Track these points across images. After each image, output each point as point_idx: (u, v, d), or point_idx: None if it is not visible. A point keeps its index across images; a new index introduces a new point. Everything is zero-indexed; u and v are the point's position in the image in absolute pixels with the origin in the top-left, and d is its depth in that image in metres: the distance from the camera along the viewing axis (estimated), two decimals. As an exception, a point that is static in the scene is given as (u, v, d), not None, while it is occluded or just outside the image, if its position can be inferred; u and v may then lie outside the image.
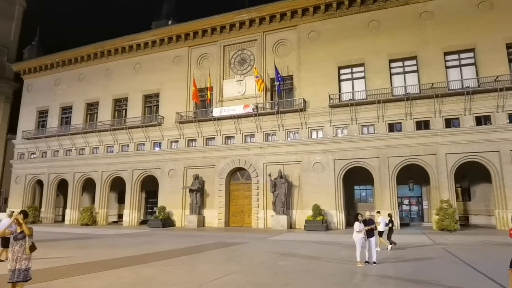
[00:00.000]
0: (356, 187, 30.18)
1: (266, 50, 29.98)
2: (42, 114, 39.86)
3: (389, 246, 14.92)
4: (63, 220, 36.73)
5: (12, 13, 53.61)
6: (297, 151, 27.23)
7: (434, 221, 23.45)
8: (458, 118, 24.03)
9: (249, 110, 28.48)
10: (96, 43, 36.39)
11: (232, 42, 31.41)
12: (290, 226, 26.19)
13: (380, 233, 14.83)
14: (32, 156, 39.00)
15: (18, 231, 6.81)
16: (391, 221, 15.36)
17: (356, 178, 28.25)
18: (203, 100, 31.30)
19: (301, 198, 26.71)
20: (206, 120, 30.26)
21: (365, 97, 26.07)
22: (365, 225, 11.56)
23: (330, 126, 26.78)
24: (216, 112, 29.67)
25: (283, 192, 26.15)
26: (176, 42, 33.25)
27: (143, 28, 35.32)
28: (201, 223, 28.97)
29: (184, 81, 32.37)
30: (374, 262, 11.45)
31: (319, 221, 24.43)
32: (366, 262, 11.47)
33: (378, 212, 16.18)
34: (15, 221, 6.96)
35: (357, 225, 11.32)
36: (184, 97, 31.96)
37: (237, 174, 29.76)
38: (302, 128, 27.52)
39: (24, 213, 7.10)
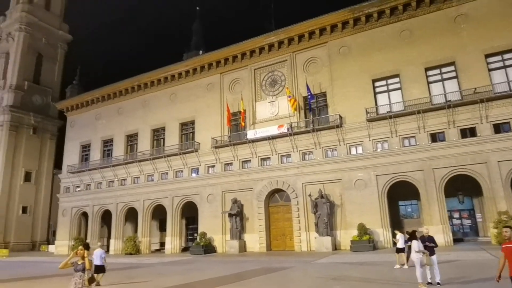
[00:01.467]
0: (400, 203, 28.78)
1: (297, 70, 30.02)
2: (85, 148, 41.74)
3: (403, 265, 14.72)
4: (107, 250, 37.52)
5: (55, 56, 57.68)
6: (337, 169, 26.53)
7: (493, 235, 21.69)
8: (508, 123, 22.56)
9: (284, 130, 28.32)
10: (133, 77, 38.08)
11: (262, 64, 31.77)
12: (335, 247, 25.21)
13: (399, 250, 14.99)
14: (77, 189, 40.63)
15: (79, 263, 6.89)
16: (410, 239, 15.09)
17: (400, 193, 26.93)
18: (236, 124, 31.58)
19: (344, 217, 25.78)
20: (241, 143, 30.37)
21: (403, 108, 25.22)
22: (423, 242, 10.79)
23: (369, 140, 26.00)
24: (251, 134, 29.75)
25: (325, 213, 25.36)
26: (208, 70, 34.10)
27: (175, 60, 36.70)
28: (243, 248, 28.55)
29: (217, 106, 32.91)
30: (438, 283, 10.58)
31: (365, 241, 23.37)
32: (429, 283, 10.62)
33: (396, 230, 16.98)
34: (78, 253, 7.08)
35: (416, 244, 10.57)
36: (219, 122, 32.38)
37: (275, 196, 29.34)
38: (339, 145, 26.91)
39: (85, 245, 7.24)
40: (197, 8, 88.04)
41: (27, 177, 50.35)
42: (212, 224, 30.43)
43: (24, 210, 49.38)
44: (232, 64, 32.97)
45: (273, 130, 28.86)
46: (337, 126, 26.73)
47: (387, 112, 25.55)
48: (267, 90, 31.27)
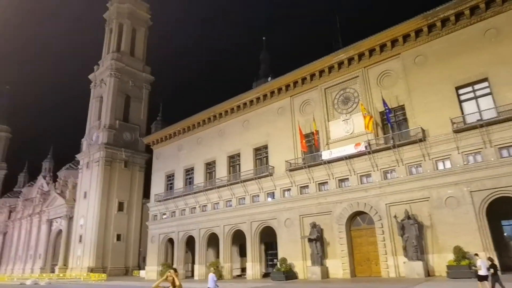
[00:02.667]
0: (504, 222, 25.19)
1: (370, 85, 28.90)
2: (170, 178, 44.61)
3: None
4: (192, 275, 38.87)
5: (141, 96, 63.99)
6: (423, 187, 24.35)
7: None
8: None
9: (361, 148, 27.09)
10: (208, 109, 40.27)
11: (333, 83, 31.27)
12: (428, 273, 22.77)
13: (482, 278, 13.79)
14: (163, 217, 43.30)
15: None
16: (493, 265, 13.69)
17: (502, 211, 23.64)
18: (310, 145, 31.15)
19: (435, 239, 23.31)
20: (316, 164, 29.75)
21: (496, 115, 22.51)
22: None
23: (458, 153, 23.54)
24: (326, 155, 29.02)
25: (414, 235, 23.22)
26: (278, 94, 34.60)
27: (245, 89, 38.07)
28: (325, 274, 27.31)
29: (289, 129, 32.95)
30: None
31: (464, 266, 20.76)
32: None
33: (476, 254, 15.64)
34: (167, 278, 7.40)
35: None
36: (291, 145, 32.29)
37: (357, 219, 27.83)
38: (424, 160, 24.80)
39: (174, 269, 7.60)
40: (263, 38, 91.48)
41: (120, 206, 55.37)
42: (291, 249, 29.81)
43: (118, 237, 54.01)
44: (301, 86, 33.03)
45: (349, 149, 27.81)
46: (420, 140, 24.74)
47: (477, 120, 23.03)
48: (340, 109, 30.51)
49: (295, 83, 33.35)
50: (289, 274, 28.32)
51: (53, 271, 56.36)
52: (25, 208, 78.10)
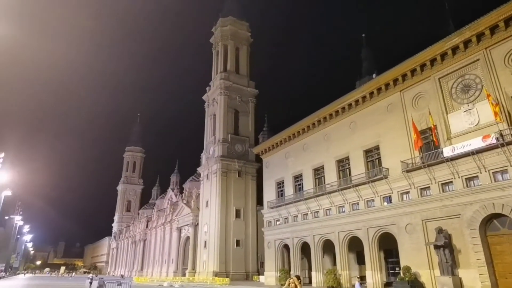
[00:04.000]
0: None
1: (495, 67, 24.95)
2: (280, 185, 45.67)
3: None
4: (310, 282, 38.70)
5: (247, 109, 67.67)
6: None
7: None
8: None
9: (492, 141, 23.43)
10: (312, 114, 40.11)
11: (448, 71, 27.96)
12: None
13: None
14: (277, 223, 44.41)
15: None
16: None
17: None
18: (427, 142, 28.32)
19: None
20: (437, 163, 26.82)
21: None
22: None
23: None
24: (447, 151, 25.95)
25: None
26: (386, 90, 32.50)
27: (348, 90, 36.60)
28: (458, 286, 24.11)
29: (402, 127, 30.56)
30: None
31: None
32: None
33: None
34: (290, 283, 7.50)
35: None
36: (406, 144, 29.85)
37: (493, 223, 24.01)
38: None
39: (297, 277, 7.65)
40: (363, 35, 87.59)
41: (237, 214, 58.86)
42: (415, 257, 27.31)
43: (238, 243, 57.30)
44: (411, 78, 30.41)
45: (476, 143, 24.34)
46: None
47: None
48: (460, 98, 27.06)
49: (404, 76, 30.88)
50: (415, 284, 25.97)
51: (184, 275, 62.76)
52: (159, 218, 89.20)
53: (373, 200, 32.22)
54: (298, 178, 42.55)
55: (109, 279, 35.33)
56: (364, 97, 34.50)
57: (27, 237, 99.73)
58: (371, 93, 33.77)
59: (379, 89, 33.06)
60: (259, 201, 55.86)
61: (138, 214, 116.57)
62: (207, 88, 71.53)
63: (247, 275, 56.04)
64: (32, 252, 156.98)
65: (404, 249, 28.62)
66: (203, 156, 68.04)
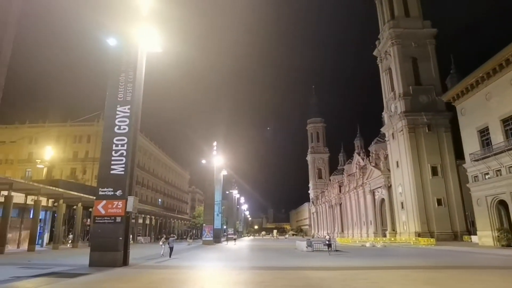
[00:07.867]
0: None
1: None
2: (483, 133, 38.99)
3: None
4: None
5: (427, 54, 59.98)
6: None
7: None
8: None
9: None
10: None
11: None
12: None
13: None
14: (486, 177, 38.35)
15: None
16: None
17: None
18: None
19: None
20: None
21: None
22: None
23: None
24: None
25: None
26: None
27: None
28: None
29: None
30: None
31: None
32: None
33: None
34: None
35: None
36: None
37: None
38: None
39: None
40: None
41: (434, 171, 53.77)
42: None
43: (439, 202, 52.58)
44: None
45: None
46: None
47: None
48: None
49: None
50: None
51: (384, 235, 62.29)
52: (350, 183, 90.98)
53: None
54: (508, 122, 35.24)
55: (316, 240, 37.66)
56: None
57: (244, 207, 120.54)
58: None
59: None
60: (459, 155, 49.33)
61: (330, 180, 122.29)
62: (376, 42, 67.07)
63: (455, 235, 51.06)
64: (250, 218, 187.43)
65: None
66: (385, 115, 64.72)
